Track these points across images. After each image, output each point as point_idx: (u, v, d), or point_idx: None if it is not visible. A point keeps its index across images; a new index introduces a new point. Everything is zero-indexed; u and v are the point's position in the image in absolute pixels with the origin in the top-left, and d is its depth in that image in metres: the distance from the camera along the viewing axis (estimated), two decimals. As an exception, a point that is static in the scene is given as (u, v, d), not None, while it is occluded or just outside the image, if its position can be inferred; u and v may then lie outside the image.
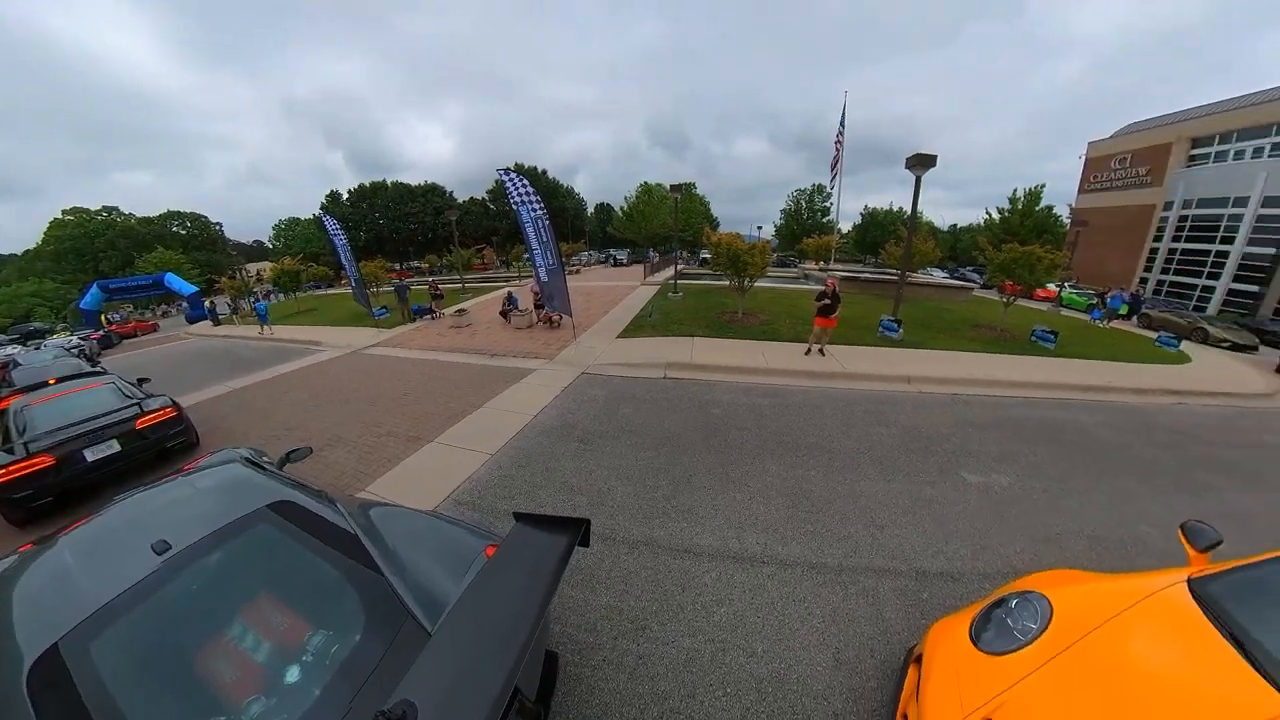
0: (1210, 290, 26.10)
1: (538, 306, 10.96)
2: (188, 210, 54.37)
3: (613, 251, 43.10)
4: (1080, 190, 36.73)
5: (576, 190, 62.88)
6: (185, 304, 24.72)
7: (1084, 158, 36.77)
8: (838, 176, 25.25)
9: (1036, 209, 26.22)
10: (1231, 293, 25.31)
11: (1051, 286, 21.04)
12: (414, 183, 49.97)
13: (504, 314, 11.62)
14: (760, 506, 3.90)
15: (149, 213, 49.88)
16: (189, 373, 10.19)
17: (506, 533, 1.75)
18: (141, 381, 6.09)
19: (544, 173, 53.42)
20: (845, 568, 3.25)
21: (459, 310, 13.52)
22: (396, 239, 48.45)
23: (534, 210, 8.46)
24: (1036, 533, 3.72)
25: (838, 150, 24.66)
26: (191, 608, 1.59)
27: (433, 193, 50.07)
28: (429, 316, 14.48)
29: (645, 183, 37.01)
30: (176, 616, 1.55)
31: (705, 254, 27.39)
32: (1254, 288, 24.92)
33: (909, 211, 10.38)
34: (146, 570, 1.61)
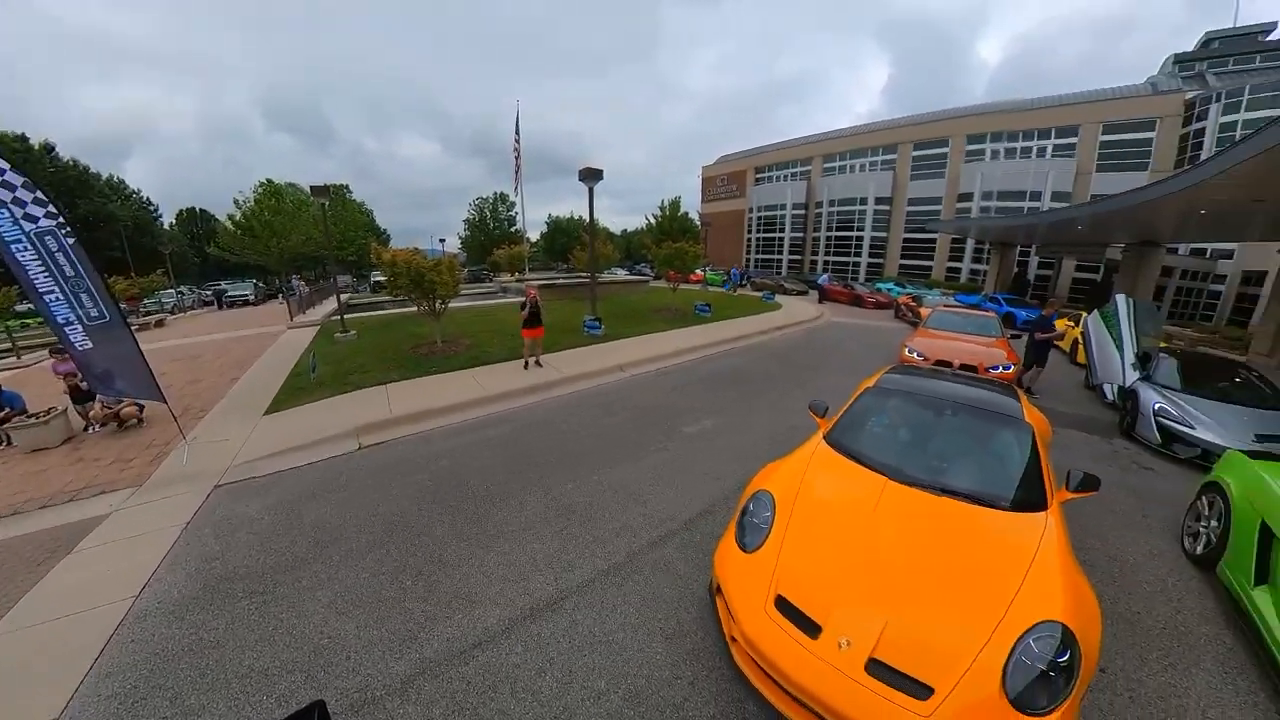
0: (781, 261, 44.35)
1: (79, 398, 6.76)
2: None
3: (224, 285, 33.11)
4: (703, 200, 56.64)
5: (131, 186, 43.21)
6: None
7: (700, 177, 56.91)
8: (519, 185, 27.64)
9: (679, 214, 37.27)
10: (791, 262, 43.74)
11: (699, 271, 30.63)
12: None
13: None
14: (534, 544, 3.75)
15: None
16: None
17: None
18: None
19: (51, 151, 35.00)
20: (633, 554, 3.66)
21: None
22: None
23: (32, 221, 5.16)
24: (742, 450, 5.57)
25: (517, 159, 26.79)
26: None
27: None
28: None
29: (269, 180, 25.86)
30: None
31: (378, 277, 24.83)
32: (798, 257, 44.20)
33: (588, 219, 12.46)
34: None
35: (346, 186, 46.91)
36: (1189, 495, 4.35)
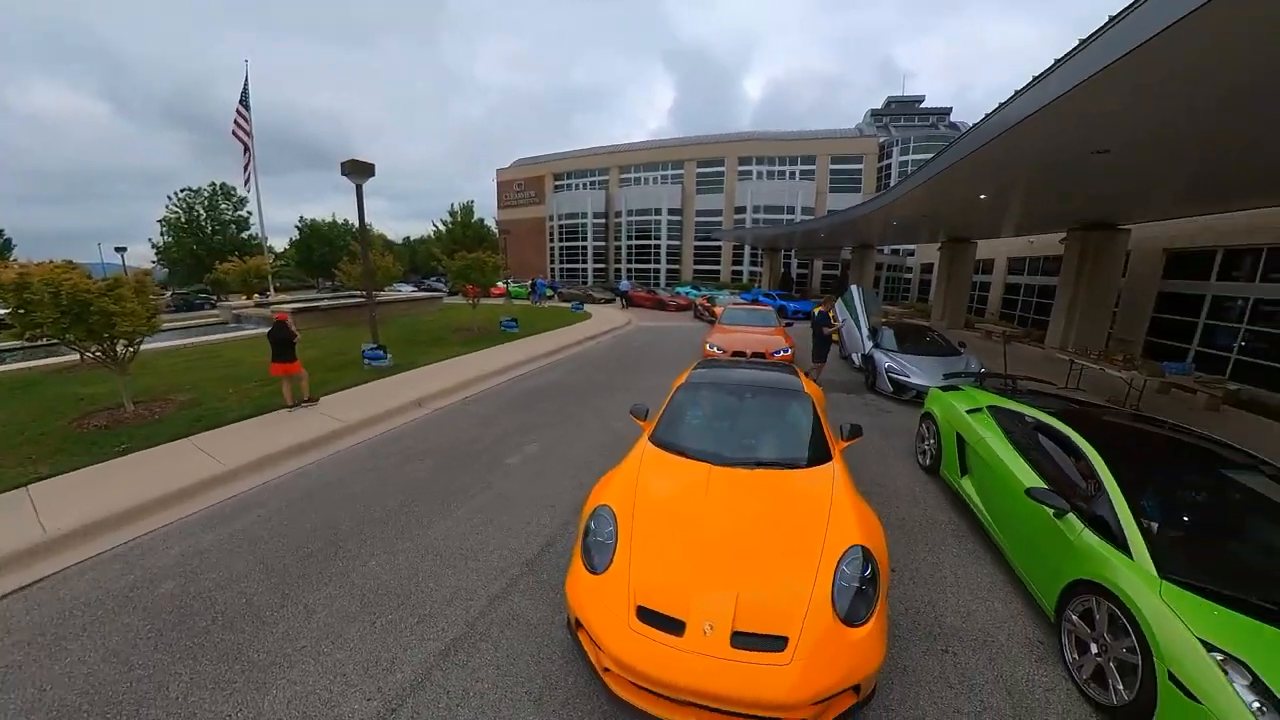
0: (586, 269, 46.55)
1: None
2: None
3: None
4: (499, 206, 55.36)
5: None
6: None
7: (496, 181, 55.38)
8: (253, 175, 22.20)
9: (473, 221, 35.71)
10: (596, 270, 46.32)
11: (501, 284, 29.92)
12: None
13: None
14: (337, 655, 3.02)
15: None
16: None
17: None
18: None
19: None
20: (473, 620, 3.34)
21: None
22: None
23: None
24: (572, 468, 5.71)
25: (246, 137, 21.18)
26: None
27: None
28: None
29: None
30: None
31: None
32: (602, 265, 47.08)
33: (359, 223, 10.88)
34: None
35: None
36: (915, 425, 6.34)
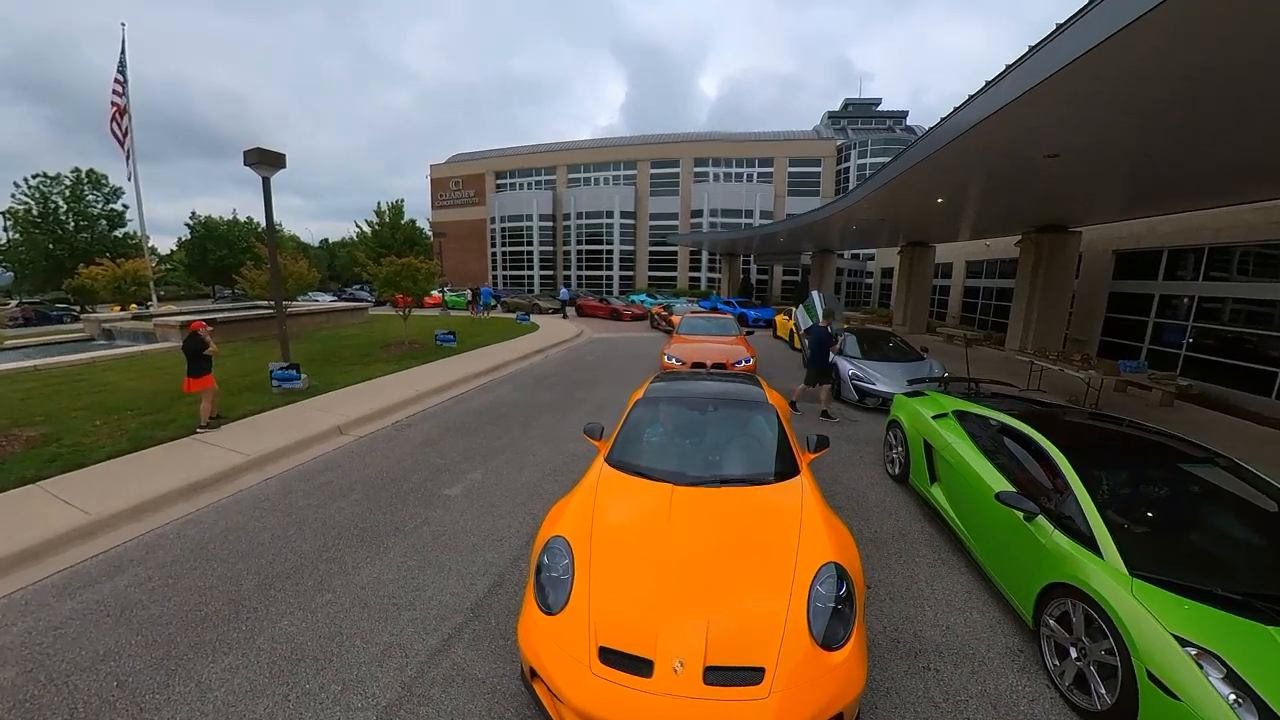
0: (532, 276, 46.21)
1: None
2: None
3: None
4: (433, 206, 54.07)
5: None
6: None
7: (429, 178, 54.01)
8: (132, 161, 20.39)
9: (402, 222, 34.59)
10: (543, 278, 46.10)
11: (436, 293, 29.11)
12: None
13: None
14: None
15: None
16: None
17: None
18: None
19: None
20: (410, 682, 3.12)
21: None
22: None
23: None
24: (520, 497, 5.59)
25: (121, 118, 19.36)
26: None
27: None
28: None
29: None
30: None
31: None
32: (549, 272, 46.85)
33: (265, 222, 10.29)
34: None
35: None
36: (882, 433, 6.60)
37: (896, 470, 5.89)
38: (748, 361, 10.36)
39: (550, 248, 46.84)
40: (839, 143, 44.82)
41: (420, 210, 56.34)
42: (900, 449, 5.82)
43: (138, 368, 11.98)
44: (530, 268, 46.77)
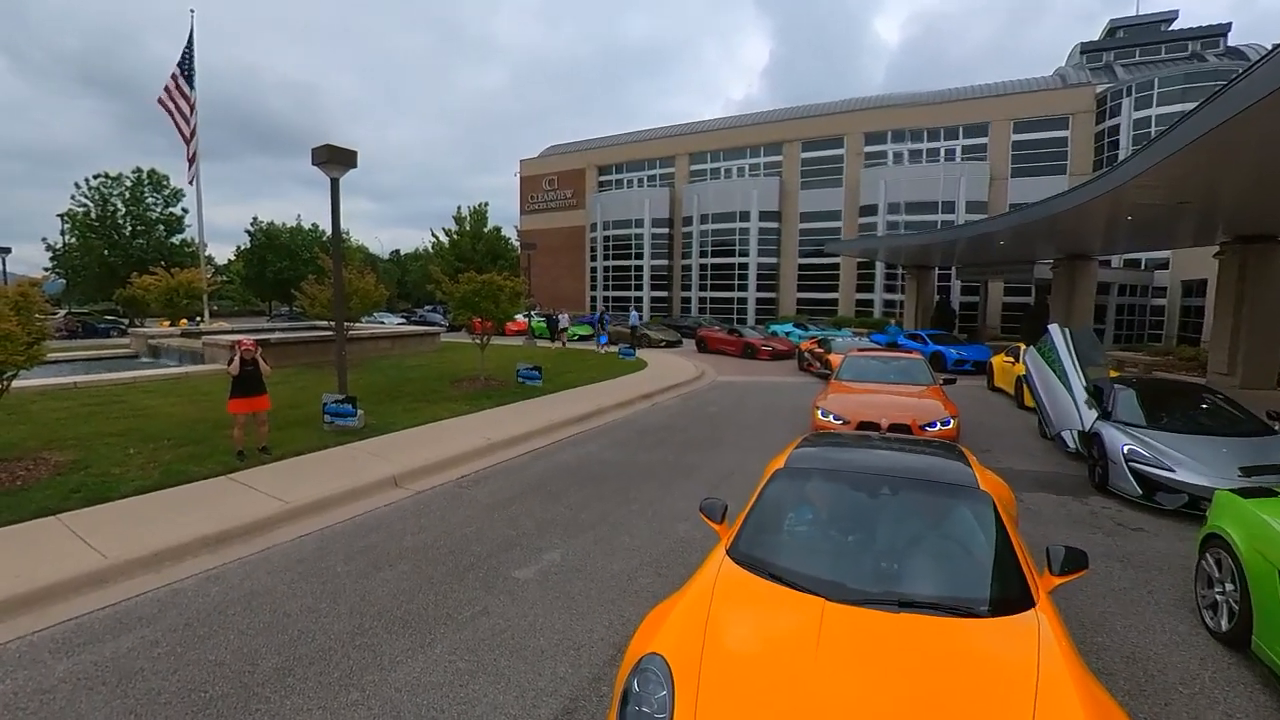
0: (640, 299, 47.65)
1: None
2: None
3: None
4: (522, 210, 58.37)
5: None
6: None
7: (519, 176, 58.80)
8: (195, 162, 24.03)
9: (485, 230, 37.80)
10: (655, 300, 47.58)
11: (520, 318, 30.84)
12: None
13: None
14: None
15: None
16: None
17: None
18: None
19: None
20: None
21: None
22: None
23: None
24: (609, 591, 5.50)
25: (187, 113, 23.03)
26: None
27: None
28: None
29: None
30: None
31: None
32: (663, 293, 47.95)
33: (332, 230, 11.72)
34: None
35: None
36: (1192, 556, 5.38)
37: (1224, 623, 4.75)
38: (946, 424, 9.66)
39: (665, 261, 47.94)
40: (1100, 88, 39.90)
41: (507, 216, 61.08)
42: (1231, 586, 4.71)
43: (180, 391, 13.99)
44: (638, 287, 48.12)
